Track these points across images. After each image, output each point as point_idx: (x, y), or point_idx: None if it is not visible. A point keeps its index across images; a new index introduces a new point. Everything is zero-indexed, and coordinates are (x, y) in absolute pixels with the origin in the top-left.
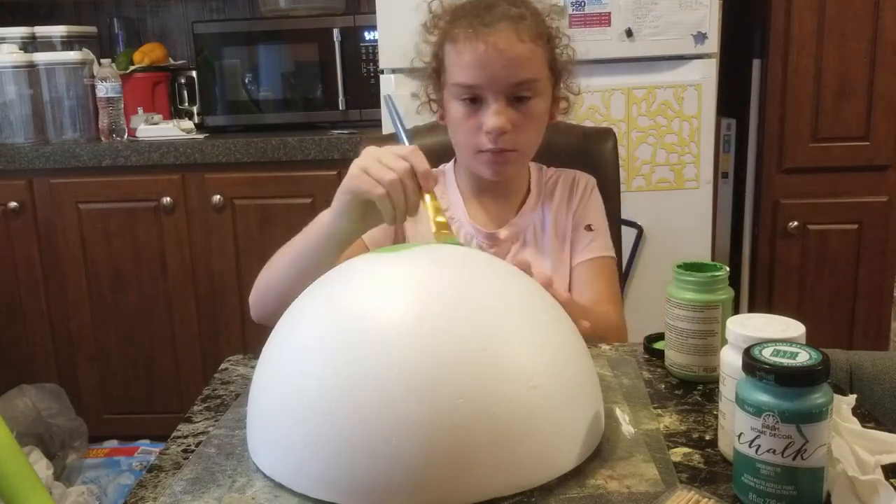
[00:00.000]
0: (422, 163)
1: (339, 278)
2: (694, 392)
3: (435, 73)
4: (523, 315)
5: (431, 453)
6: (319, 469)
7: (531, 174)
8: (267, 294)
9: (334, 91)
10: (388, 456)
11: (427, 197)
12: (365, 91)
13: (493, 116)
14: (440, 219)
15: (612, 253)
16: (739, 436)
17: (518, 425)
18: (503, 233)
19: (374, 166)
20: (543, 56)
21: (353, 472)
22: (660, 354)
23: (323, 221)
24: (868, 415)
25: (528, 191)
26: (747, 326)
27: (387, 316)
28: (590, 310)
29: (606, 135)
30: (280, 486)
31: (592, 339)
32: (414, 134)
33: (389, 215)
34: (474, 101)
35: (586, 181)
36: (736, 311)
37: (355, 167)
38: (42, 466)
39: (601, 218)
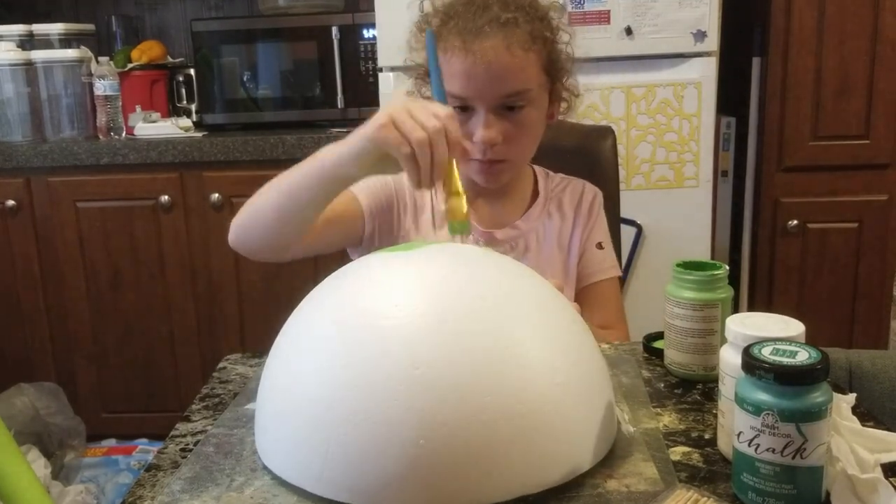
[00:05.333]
0: (455, 129)
1: (353, 277)
2: (693, 391)
3: (427, 75)
4: (540, 313)
5: (459, 453)
6: (344, 472)
7: (538, 179)
8: (253, 221)
9: (333, 89)
10: (415, 457)
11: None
12: (364, 89)
13: (481, 129)
14: (457, 197)
15: (619, 271)
16: (739, 435)
17: (544, 422)
18: (500, 234)
19: (406, 120)
20: (537, 61)
21: (378, 475)
22: (659, 353)
23: (328, 159)
24: (867, 413)
25: (535, 195)
26: (747, 325)
27: (409, 314)
28: (598, 333)
29: (606, 133)
30: (279, 485)
31: None
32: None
33: (415, 179)
34: (465, 108)
35: (594, 195)
36: (735, 309)
37: (384, 115)
38: (40, 465)
39: (607, 234)
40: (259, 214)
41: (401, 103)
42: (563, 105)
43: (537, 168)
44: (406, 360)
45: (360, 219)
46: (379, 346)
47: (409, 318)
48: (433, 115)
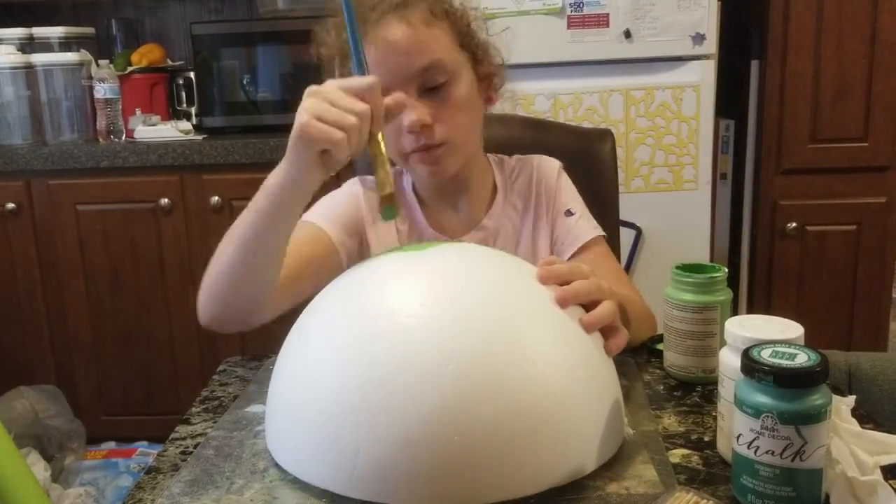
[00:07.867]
0: (380, 104)
1: (370, 277)
2: (693, 393)
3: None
4: (555, 308)
5: (493, 448)
6: (376, 472)
7: (493, 170)
8: (221, 283)
9: None
10: (449, 453)
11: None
12: None
13: (408, 112)
14: (383, 170)
15: (600, 231)
16: (738, 437)
17: (569, 414)
18: (469, 238)
19: (330, 112)
20: (445, 35)
21: (412, 473)
22: (659, 355)
23: (274, 185)
24: (867, 416)
25: (495, 188)
26: (746, 328)
27: (434, 313)
28: (622, 296)
29: (605, 136)
30: (278, 487)
31: (632, 338)
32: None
33: (341, 155)
34: None
35: (550, 168)
36: (734, 312)
37: (303, 114)
38: (40, 468)
39: (577, 199)
40: (225, 274)
41: (317, 94)
42: (496, 81)
43: (490, 156)
44: (437, 358)
45: (335, 252)
46: (407, 346)
47: (434, 316)
48: (357, 97)
